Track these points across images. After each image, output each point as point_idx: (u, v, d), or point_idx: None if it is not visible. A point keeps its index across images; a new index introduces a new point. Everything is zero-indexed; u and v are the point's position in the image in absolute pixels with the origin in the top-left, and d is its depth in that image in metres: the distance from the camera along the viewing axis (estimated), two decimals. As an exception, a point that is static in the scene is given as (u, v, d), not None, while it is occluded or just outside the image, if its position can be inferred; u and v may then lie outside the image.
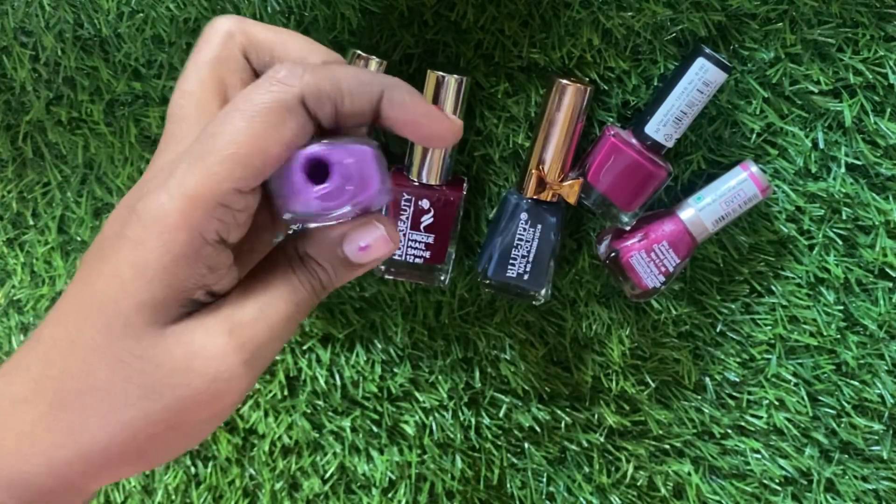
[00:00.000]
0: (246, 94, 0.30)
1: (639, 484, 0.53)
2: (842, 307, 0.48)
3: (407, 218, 0.46)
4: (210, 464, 0.55)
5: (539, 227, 0.46)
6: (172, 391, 0.30)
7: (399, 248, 0.34)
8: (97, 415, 0.30)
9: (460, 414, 0.53)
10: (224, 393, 0.31)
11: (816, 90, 0.45)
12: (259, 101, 0.30)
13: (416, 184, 0.46)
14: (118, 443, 0.30)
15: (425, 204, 0.46)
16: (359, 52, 0.44)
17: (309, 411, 0.54)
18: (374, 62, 0.44)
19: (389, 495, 0.54)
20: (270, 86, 0.30)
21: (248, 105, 0.30)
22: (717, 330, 0.50)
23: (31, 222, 0.52)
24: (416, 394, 0.53)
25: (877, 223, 0.46)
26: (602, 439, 0.52)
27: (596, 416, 0.52)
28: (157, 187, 0.29)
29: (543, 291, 0.47)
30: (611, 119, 0.46)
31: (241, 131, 0.29)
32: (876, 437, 0.50)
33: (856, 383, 0.49)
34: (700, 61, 0.42)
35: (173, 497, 0.56)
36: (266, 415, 0.54)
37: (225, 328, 0.31)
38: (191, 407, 0.30)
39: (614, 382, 0.51)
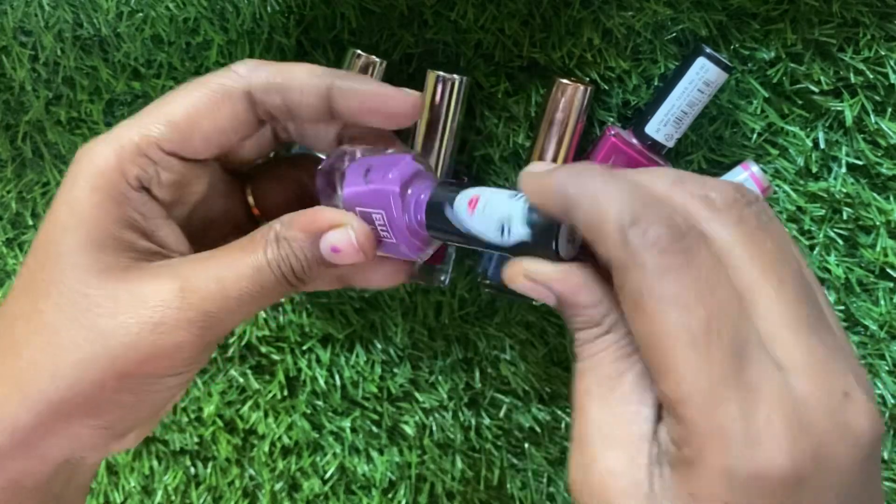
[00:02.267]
0: (203, 77, 0.34)
1: (639, 484, 0.53)
2: (843, 307, 0.48)
3: (407, 218, 0.46)
4: (210, 464, 0.55)
5: (539, 227, 0.46)
6: (115, 335, 0.30)
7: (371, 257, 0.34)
8: (43, 359, 0.30)
9: (460, 414, 0.53)
10: (168, 348, 0.31)
11: (817, 90, 0.45)
12: (207, 84, 0.33)
13: (416, 184, 0.46)
14: (64, 389, 0.30)
15: (425, 204, 0.46)
16: (359, 51, 0.44)
17: (309, 412, 0.53)
18: (374, 62, 0.44)
19: (389, 496, 0.54)
20: (225, 74, 0.33)
21: (197, 85, 0.33)
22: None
23: (31, 222, 0.52)
24: (416, 394, 0.53)
25: (878, 223, 0.46)
26: (602, 440, 0.52)
27: (596, 417, 0.52)
28: (98, 138, 0.32)
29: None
30: (611, 119, 0.46)
31: (179, 102, 0.32)
32: (877, 438, 0.50)
33: (857, 383, 0.49)
34: (701, 61, 0.42)
35: (173, 497, 0.55)
36: (266, 415, 0.54)
37: (176, 284, 0.31)
38: (133, 356, 0.30)
39: (615, 383, 0.51)
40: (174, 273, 0.31)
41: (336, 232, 0.33)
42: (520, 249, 0.31)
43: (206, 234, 0.36)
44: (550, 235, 0.30)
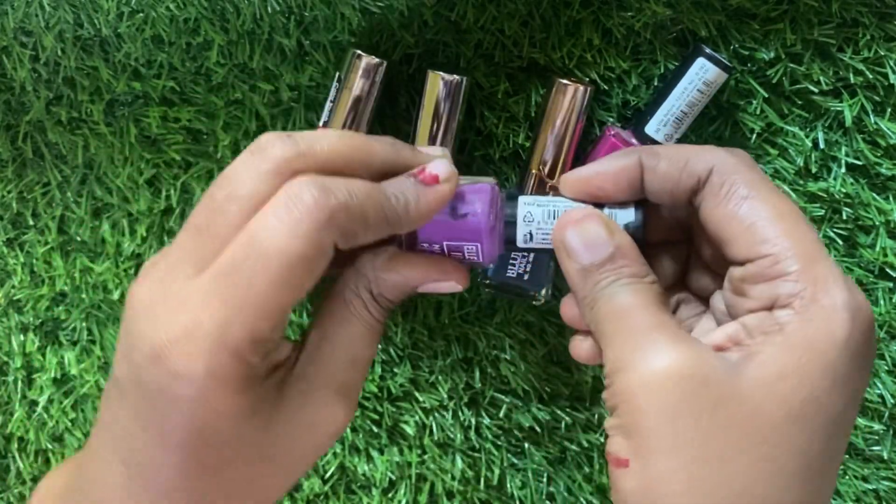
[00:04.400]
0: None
1: (639, 484, 0.53)
2: (842, 307, 0.48)
3: (407, 218, 0.46)
4: (210, 464, 0.55)
5: (539, 227, 0.46)
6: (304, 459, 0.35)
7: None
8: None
9: (460, 414, 0.53)
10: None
11: (817, 90, 0.45)
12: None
13: (417, 184, 0.46)
14: None
15: (425, 204, 0.46)
16: (359, 51, 0.44)
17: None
18: (374, 62, 0.44)
19: (389, 495, 0.54)
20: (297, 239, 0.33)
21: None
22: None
23: (31, 222, 0.52)
24: (417, 394, 0.53)
25: (877, 223, 0.46)
26: (602, 439, 0.52)
27: (596, 416, 0.52)
28: (193, 335, 0.31)
29: (543, 291, 0.47)
30: (611, 119, 0.46)
31: (264, 279, 0.32)
32: (876, 437, 0.50)
33: (856, 383, 0.49)
34: (700, 61, 0.42)
35: (173, 497, 0.56)
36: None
37: (331, 391, 0.34)
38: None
39: (614, 382, 0.51)
40: (324, 381, 0.34)
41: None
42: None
43: None
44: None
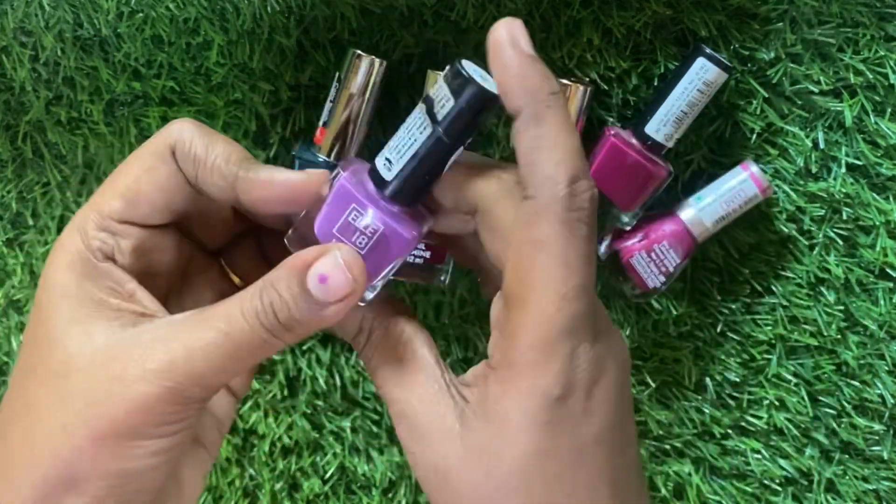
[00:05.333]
0: (143, 144, 0.35)
1: (639, 484, 0.53)
2: (842, 307, 0.48)
3: (407, 218, 0.46)
4: (210, 464, 0.55)
5: (539, 227, 0.46)
6: (85, 396, 0.32)
7: (369, 291, 0.33)
8: (23, 439, 0.32)
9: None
10: (136, 402, 0.31)
11: (817, 90, 0.45)
12: (144, 150, 0.34)
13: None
14: (46, 465, 0.31)
15: (425, 204, 0.46)
16: (359, 51, 0.44)
17: (309, 411, 0.53)
18: (374, 62, 0.44)
19: (389, 495, 0.54)
20: (158, 137, 0.34)
21: (137, 153, 0.34)
22: (718, 330, 0.50)
23: (31, 222, 0.52)
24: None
25: (877, 223, 0.46)
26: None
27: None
28: (66, 227, 0.34)
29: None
30: (611, 119, 0.46)
31: (124, 171, 0.34)
32: (876, 438, 0.50)
33: (856, 383, 0.49)
34: (700, 61, 0.42)
35: (173, 497, 0.56)
36: (266, 415, 0.54)
37: (139, 349, 0.32)
38: (103, 412, 0.31)
39: (614, 382, 0.51)
40: (146, 337, 0.32)
41: (322, 259, 0.31)
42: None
43: (197, 306, 0.37)
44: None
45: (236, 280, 0.39)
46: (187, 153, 0.34)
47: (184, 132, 0.34)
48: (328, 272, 0.31)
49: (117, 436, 0.31)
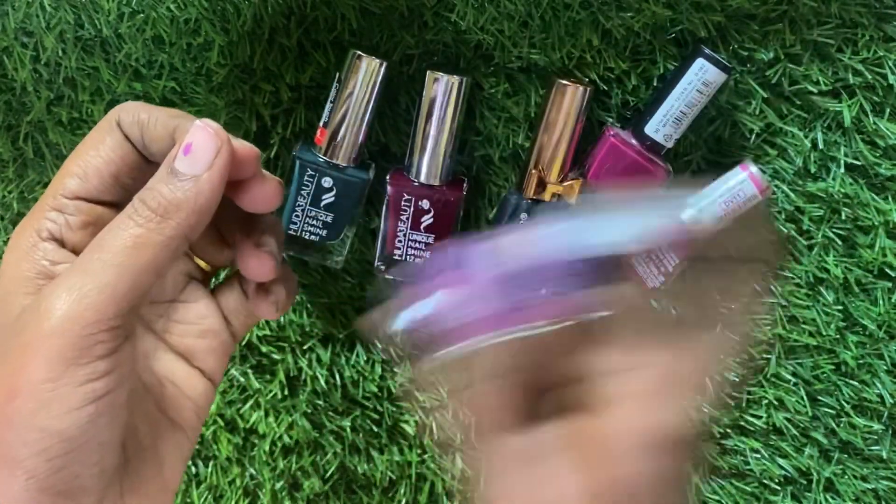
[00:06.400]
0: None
1: (638, 483, 0.53)
2: (841, 307, 0.48)
3: (407, 218, 0.46)
4: (210, 463, 0.55)
5: (539, 227, 0.46)
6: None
7: (220, 143, 0.33)
8: None
9: (460, 413, 0.53)
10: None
11: (816, 90, 0.45)
12: (94, 128, 0.35)
13: (416, 184, 0.46)
14: None
15: (425, 204, 0.46)
16: (359, 52, 0.44)
17: (309, 411, 0.54)
18: (374, 63, 0.44)
19: (390, 495, 0.54)
20: (107, 115, 0.35)
21: (89, 132, 0.35)
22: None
23: (32, 222, 0.52)
24: (417, 393, 0.53)
25: (876, 223, 0.46)
26: (602, 439, 0.52)
27: (596, 416, 0.52)
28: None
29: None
30: (610, 119, 0.46)
31: (76, 150, 0.35)
32: (875, 437, 0.50)
33: (855, 383, 0.49)
34: (700, 62, 0.42)
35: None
36: (266, 415, 0.54)
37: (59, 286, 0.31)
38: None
39: (614, 382, 0.51)
40: (46, 290, 0.32)
41: (186, 136, 0.32)
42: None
43: (164, 289, 0.38)
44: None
45: (202, 264, 0.39)
46: (132, 120, 0.34)
47: (128, 105, 0.35)
48: (191, 139, 0.32)
49: (31, 392, 0.30)
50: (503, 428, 0.31)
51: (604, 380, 0.30)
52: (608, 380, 0.30)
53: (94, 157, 0.34)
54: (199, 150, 0.32)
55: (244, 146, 0.34)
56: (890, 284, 0.47)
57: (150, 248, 0.31)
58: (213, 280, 0.42)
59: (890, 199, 0.46)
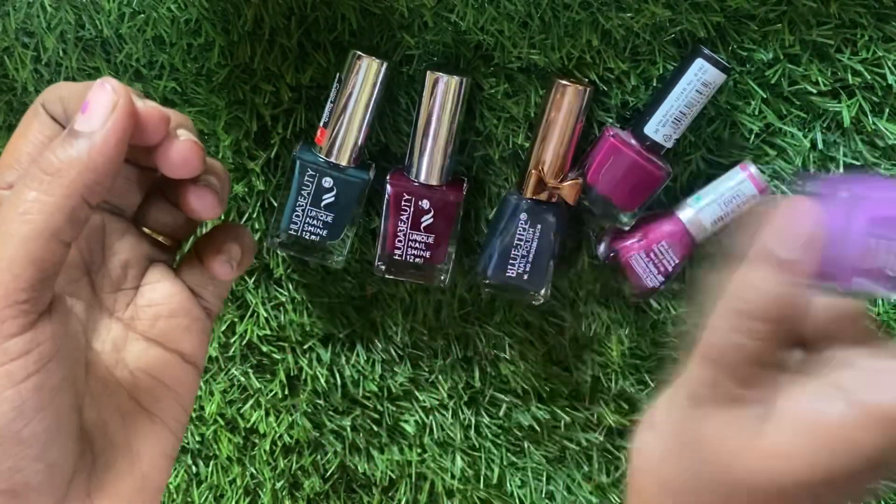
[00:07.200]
0: None
1: (638, 483, 0.53)
2: (840, 307, 0.48)
3: (407, 218, 0.46)
4: (211, 463, 0.55)
5: (538, 227, 0.46)
6: None
7: (117, 96, 0.31)
8: None
9: (460, 413, 0.53)
10: None
11: (815, 91, 0.45)
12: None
13: (417, 184, 0.46)
14: None
15: (425, 204, 0.46)
16: (359, 52, 0.44)
17: (309, 410, 0.54)
18: (374, 63, 0.44)
19: (390, 494, 0.55)
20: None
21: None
22: None
23: (33, 222, 0.52)
24: (417, 393, 0.53)
25: (875, 223, 0.47)
26: (601, 438, 0.52)
27: (595, 416, 0.52)
28: None
29: (543, 291, 0.47)
30: (610, 119, 0.46)
31: (6, 146, 0.34)
32: (874, 437, 0.50)
33: (854, 383, 0.49)
34: (699, 62, 0.43)
35: (174, 496, 0.56)
36: (267, 414, 0.54)
37: None
38: None
39: (613, 382, 0.51)
40: None
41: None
42: None
43: (126, 275, 0.36)
44: None
45: (161, 239, 0.37)
46: (55, 98, 0.34)
47: (50, 87, 0.34)
48: (89, 98, 0.31)
49: None
50: (749, 363, 0.31)
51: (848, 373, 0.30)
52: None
53: (24, 143, 0.34)
54: (95, 106, 0.31)
55: (151, 107, 0.33)
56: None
57: (44, 212, 0.30)
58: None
59: (889, 199, 0.46)
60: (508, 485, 0.54)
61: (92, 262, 0.35)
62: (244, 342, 0.53)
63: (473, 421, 0.53)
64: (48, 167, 0.30)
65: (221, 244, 0.37)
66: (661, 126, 0.44)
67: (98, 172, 0.30)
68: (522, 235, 0.46)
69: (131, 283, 0.36)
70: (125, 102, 0.31)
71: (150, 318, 0.36)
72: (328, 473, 0.54)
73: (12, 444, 0.29)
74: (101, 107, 0.31)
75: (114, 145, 0.31)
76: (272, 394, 0.53)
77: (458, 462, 0.53)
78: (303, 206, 0.46)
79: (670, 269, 0.46)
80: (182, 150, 0.33)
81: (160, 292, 0.36)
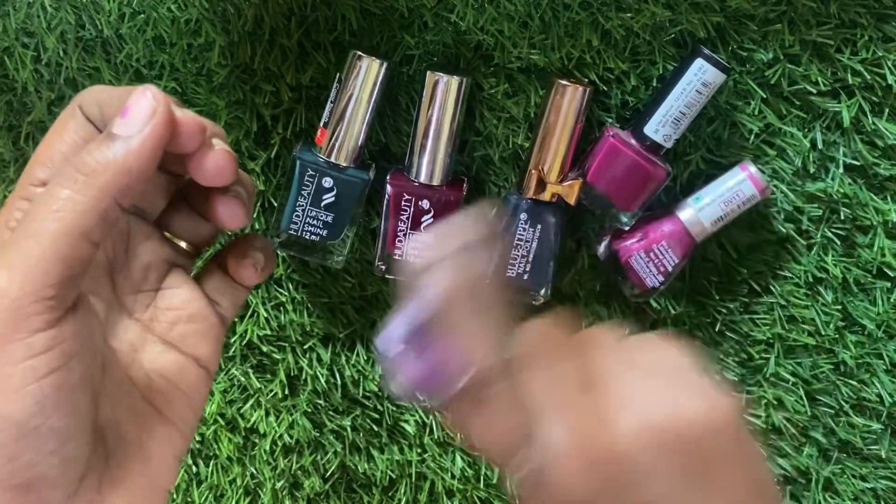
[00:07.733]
0: None
1: (638, 483, 0.53)
2: (840, 307, 0.48)
3: (407, 218, 0.46)
4: (211, 463, 0.55)
5: (539, 227, 0.46)
6: None
7: (160, 107, 0.32)
8: None
9: (460, 413, 0.53)
10: None
11: (815, 91, 0.45)
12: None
13: (417, 184, 0.46)
14: None
15: (425, 204, 0.46)
16: (359, 52, 0.44)
17: (310, 410, 0.54)
18: (374, 63, 0.44)
19: (390, 494, 0.55)
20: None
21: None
22: (716, 329, 0.50)
23: (33, 222, 0.52)
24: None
25: (875, 223, 0.47)
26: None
27: (595, 416, 0.52)
28: None
29: (543, 291, 0.47)
30: (610, 120, 0.47)
31: (40, 143, 0.35)
32: (874, 436, 0.50)
33: (854, 382, 0.49)
34: (699, 62, 0.43)
35: (175, 496, 0.56)
36: (267, 414, 0.54)
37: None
38: None
39: (614, 382, 0.51)
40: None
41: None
42: None
43: (146, 278, 0.37)
44: None
45: (182, 244, 0.38)
46: (92, 100, 0.34)
47: (88, 89, 0.35)
48: (129, 104, 0.31)
49: None
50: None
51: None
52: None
53: (59, 142, 0.34)
54: (135, 111, 0.31)
55: (188, 116, 0.33)
56: (889, 284, 0.48)
57: (76, 211, 0.30)
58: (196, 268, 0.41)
59: (889, 198, 0.46)
60: (508, 484, 0.54)
61: (115, 263, 0.36)
62: (244, 342, 0.53)
63: (473, 421, 0.53)
64: (83, 167, 0.31)
65: (246, 251, 0.38)
66: (661, 126, 0.44)
67: (132, 176, 0.31)
68: (522, 235, 0.46)
69: (151, 285, 0.37)
70: (164, 110, 0.32)
71: (168, 322, 0.37)
72: (328, 473, 0.54)
73: (32, 439, 0.29)
74: (140, 112, 0.31)
75: (150, 151, 0.31)
76: (272, 394, 0.53)
77: (458, 462, 0.54)
78: (303, 206, 0.46)
79: (670, 269, 0.46)
80: (217, 159, 0.34)
81: (179, 297, 0.37)
